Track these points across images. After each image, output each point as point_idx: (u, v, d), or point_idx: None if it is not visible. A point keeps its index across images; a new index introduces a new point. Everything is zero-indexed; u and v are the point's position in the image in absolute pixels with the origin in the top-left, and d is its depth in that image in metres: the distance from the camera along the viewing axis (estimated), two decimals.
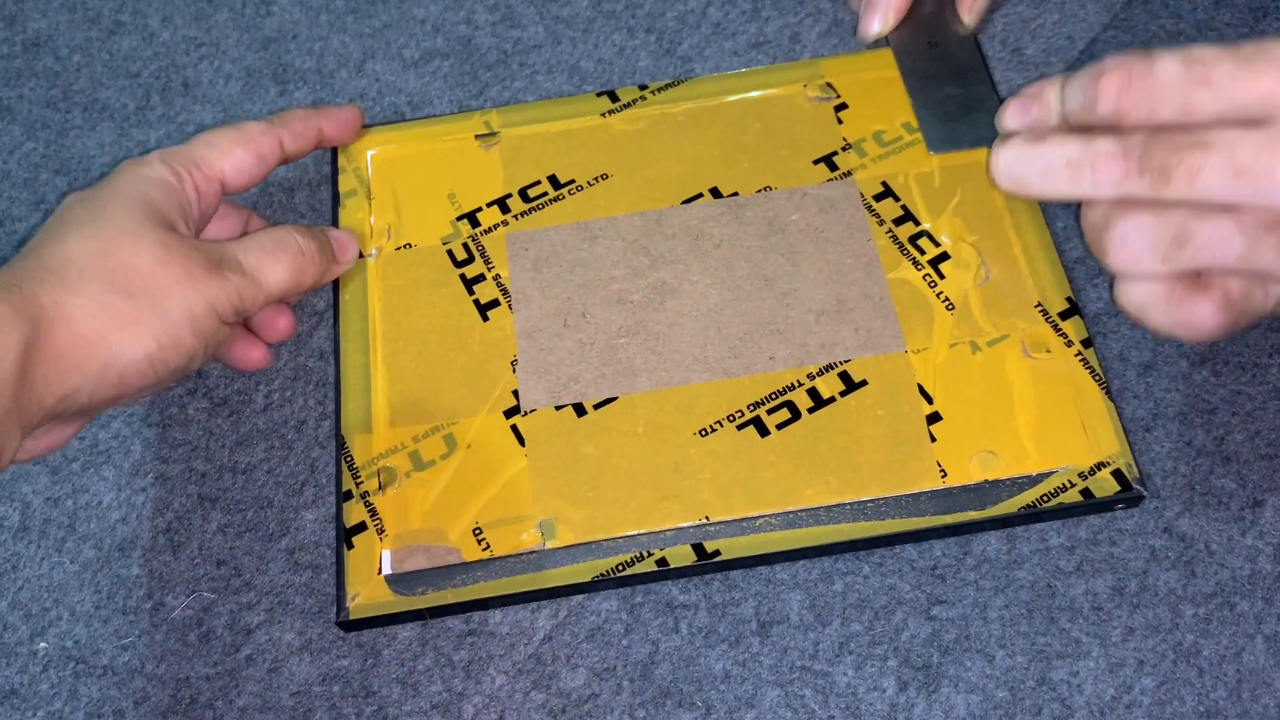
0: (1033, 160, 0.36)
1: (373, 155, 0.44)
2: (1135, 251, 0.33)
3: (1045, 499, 0.36)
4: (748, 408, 0.38)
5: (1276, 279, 0.33)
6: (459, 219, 0.42)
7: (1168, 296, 0.33)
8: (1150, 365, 0.39)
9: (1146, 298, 0.34)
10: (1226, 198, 0.32)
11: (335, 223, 0.43)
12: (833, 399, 0.38)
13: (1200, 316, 0.33)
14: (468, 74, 0.48)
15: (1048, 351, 0.38)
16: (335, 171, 0.44)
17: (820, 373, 0.38)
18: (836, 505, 0.36)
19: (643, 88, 0.45)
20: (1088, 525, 0.37)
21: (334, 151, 0.44)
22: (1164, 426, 0.38)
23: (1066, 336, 0.38)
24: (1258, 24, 0.46)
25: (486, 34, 0.49)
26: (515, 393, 0.39)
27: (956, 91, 0.43)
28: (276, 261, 0.37)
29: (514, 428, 0.38)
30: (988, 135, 0.40)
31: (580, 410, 0.38)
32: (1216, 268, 0.33)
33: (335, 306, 0.41)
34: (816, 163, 0.43)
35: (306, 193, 0.46)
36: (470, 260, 0.42)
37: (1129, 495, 0.36)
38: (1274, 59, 0.31)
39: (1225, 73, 0.31)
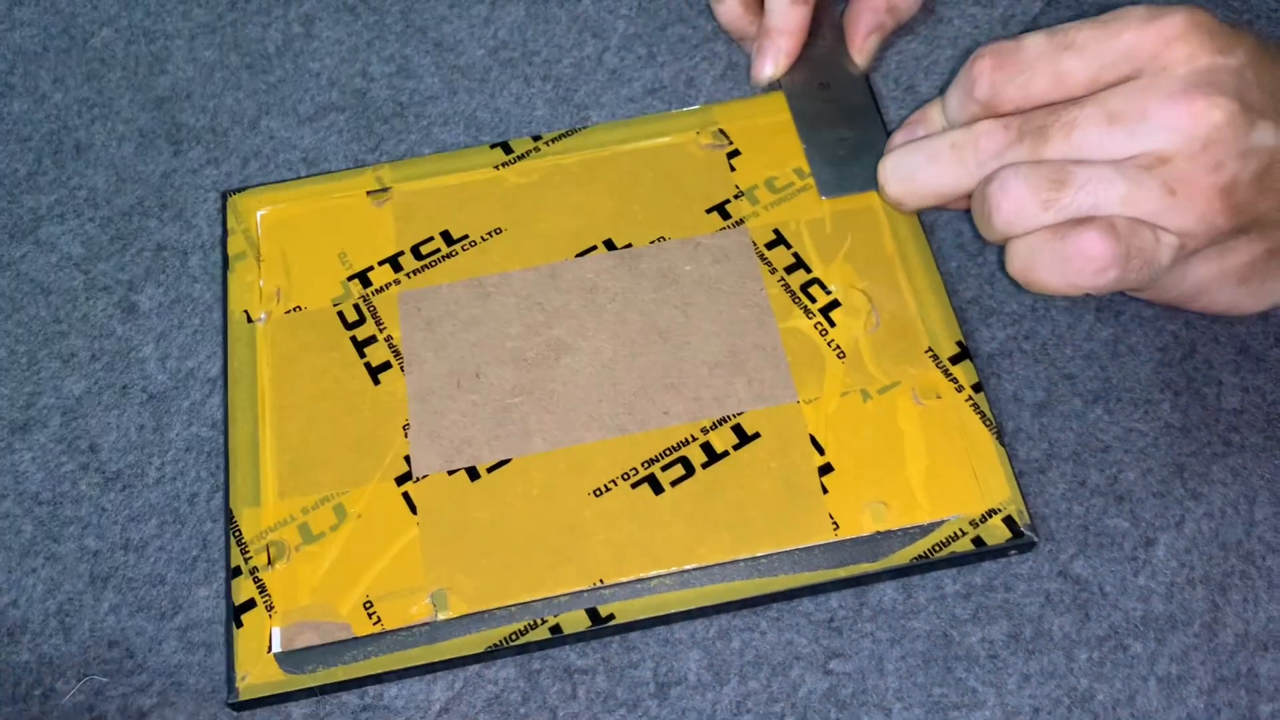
0: (917, 152, 0.36)
1: (262, 216, 0.44)
2: (1016, 198, 0.33)
3: (937, 548, 0.36)
4: (642, 465, 0.38)
5: (1164, 227, 0.32)
6: (350, 279, 0.42)
7: (1052, 236, 0.32)
8: (1044, 405, 0.39)
9: (1032, 249, 0.33)
10: (1104, 148, 0.32)
11: (225, 288, 0.42)
12: (726, 453, 0.38)
13: (1088, 246, 0.32)
14: (363, 128, 0.48)
15: (938, 398, 0.38)
16: (225, 234, 0.43)
17: (714, 426, 0.38)
18: (731, 562, 0.36)
19: (536, 138, 0.45)
20: (983, 571, 0.37)
21: (224, 213, 0.44)
22: (1058, 467, 0.38)
23: (957, 381, 0.38)
24: None
25: (382, 86, 0.49)
26: (407, 458, 0.38)
27: (848, 134, 0.43)
28: None
29: (405, 495, 0.38)
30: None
31: (473, 474, 0.38)
32: (1101, 213, 0.32)
33: (224, 373, 0.41)
34: (710, 211, 0.42)
35: (200, 256, 0.45)
36: (361, 322, 0.41)
37: (1020, 542, 0.36)
38: (1131, 16, 0.33)
39: (1087, 36, 0.33)
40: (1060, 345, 0.40)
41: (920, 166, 0.36)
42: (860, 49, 0.45)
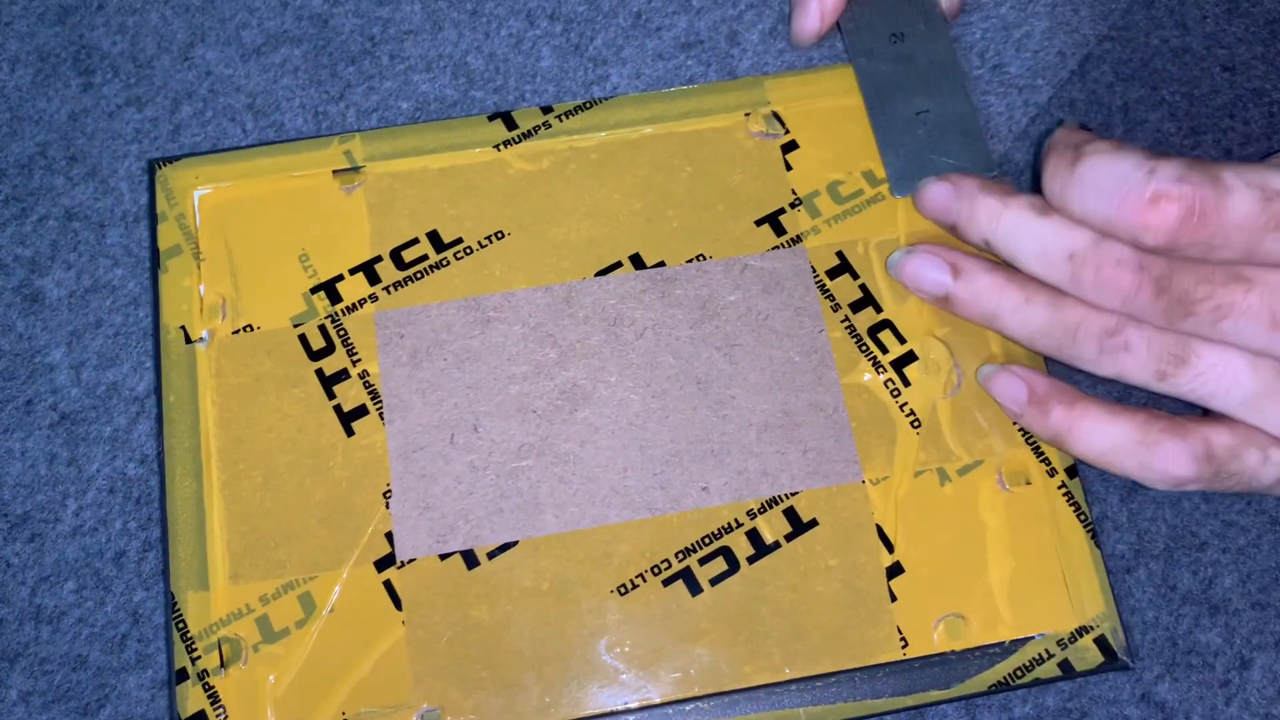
0: (1030, 233, 0.30)
1: (201, 197, 0.35)
2: (1137, 358, 0.28)
3: (1019, 673, 0.31)
4: (675, 556, 0.31)
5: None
6: (314, 290, 0.34)
7: (1141, 434, 0.29)
8: (1134, 487, 0.34)
9: (1116, 436, 0.29)
10: (1256, 346, 0.27)
11: (155, 292, 0.34)
12: (777, 544, 0.32)
13: (1171, 465, 0.28)
14: (324, 68, 0.38)
15: (1027, 483, 0.32)
16: (154, 219, 0.34)
17: (762, 509, 0.32)
18: (780, 685, 0.31)
19: (546, 110, 0.36)
20: (1056, 691, 0.32)
21: (151, 188, 0.35)
22: (1147, 566, 0.33)
23: (1049, 464, 0.33)
24: (1274, 40, 0.39)
25: (348, 12, 0.39)
26: (389, 535, 0.31)
27: (928, 106, 0.35)
28: None
29: (388, 584, 0.31)
30: (969, 166, 0.34)
31: (471, 560, 0.31)
32: (1213, 406, 0.28)
33: (158, 405, 0.33)
34: (760, 223, 0.35)
35: (120, 231, 0.36)
36: (329, 350, 0.33)
37: (1113, 667, 0.31)
38: None
39: None
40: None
41: (1027, 252, 0.30)
42: None
